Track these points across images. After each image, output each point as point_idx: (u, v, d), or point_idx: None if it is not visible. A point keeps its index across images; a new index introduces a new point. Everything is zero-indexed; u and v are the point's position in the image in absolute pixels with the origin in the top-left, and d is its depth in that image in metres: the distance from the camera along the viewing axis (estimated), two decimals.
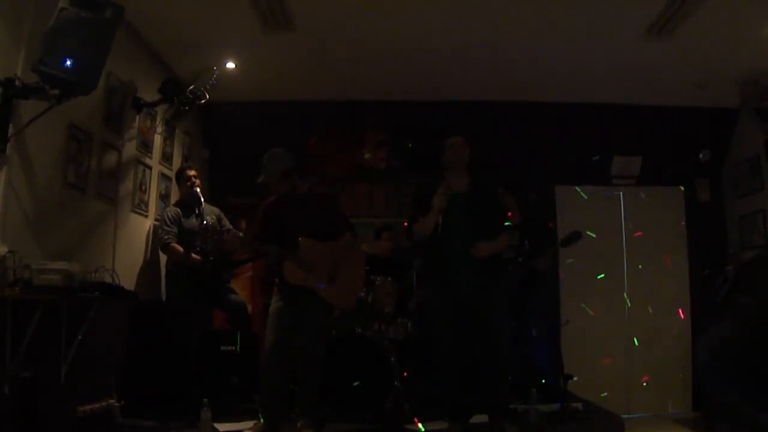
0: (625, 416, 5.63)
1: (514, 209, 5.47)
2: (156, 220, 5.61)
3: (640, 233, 6.78)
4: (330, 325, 4.89)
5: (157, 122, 5.61)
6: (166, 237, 4.96)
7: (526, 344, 5.29)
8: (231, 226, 5.39)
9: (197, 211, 5.11)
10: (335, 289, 4.23)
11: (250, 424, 4.09)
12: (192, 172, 5.26)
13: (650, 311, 6.66)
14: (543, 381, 4.83)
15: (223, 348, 5.16)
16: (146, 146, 5.47)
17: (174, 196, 5.83)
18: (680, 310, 6.59)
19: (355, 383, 4.56)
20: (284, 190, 4.32)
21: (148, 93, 5.27)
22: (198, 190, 5.14)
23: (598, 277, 6.33)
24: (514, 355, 5.14)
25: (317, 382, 4.16)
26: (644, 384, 6.54)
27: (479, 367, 4.22)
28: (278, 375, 4.08)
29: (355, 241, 4.50)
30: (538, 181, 6.54)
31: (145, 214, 5.48)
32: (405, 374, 4.76)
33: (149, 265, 5.50)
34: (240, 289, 5.69)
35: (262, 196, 4.58)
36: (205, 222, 4.84)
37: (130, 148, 5.19)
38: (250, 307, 5.63)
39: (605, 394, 5.69)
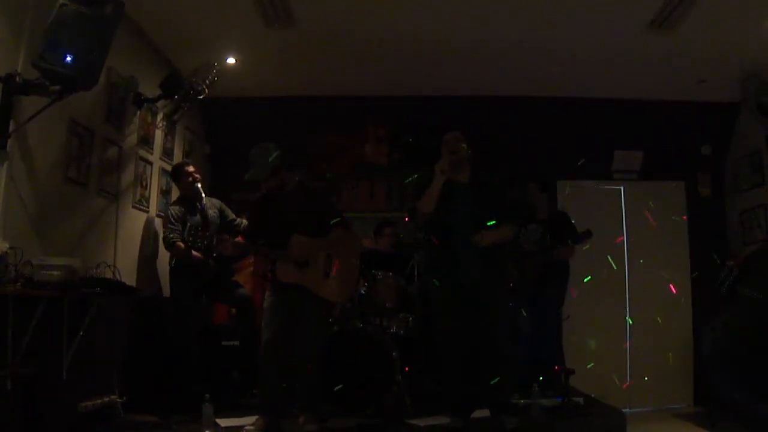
0: (626, 411, 5.64)
1: (542, 204, 5.52)
2: (158, 215, 5.61)
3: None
4: (331, 319, 4.91)
5: (158, 118, 5.61)
6: (171, 236, 4.95)
7: (530, 338, 5.31)
8: (234, 216, 5.40)
9: (199, 207, 5.11)
10: (331, 284, 4.21)
11: (251, 419, 4.08)
12: (191, 168, 5.25)
13: (651, 306, 6.67)
14: (542, 376, 4.82)
15: (224, 343, 5.18)
16: (147, 142, 5.47)
17: (175, 192, 5.83)
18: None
19: (356, 379, 4.58)
20: (273, 185, 4.28)
21: (149, 88, 5.26)
22: (199, 185, 5.14)
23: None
24: (521, 348, 5.18)
25: (316, 376, 4.17)
26: (645, 378, 6.55)
27: (480, 359, 4.22)
28: (276, 370, 4.08)
29: (347, 234, 4.45)
30: (539, 176, 6.54)
31: (146, 209, 5.48)
32: (406, 369, 4.77)
33: (150, 261, 5.50)
34: (242, 283, 5.69)
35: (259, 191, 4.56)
36: (198, 227, 4.80)
37: (131, 144, 5.19)
38: None
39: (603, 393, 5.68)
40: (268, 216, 4.26)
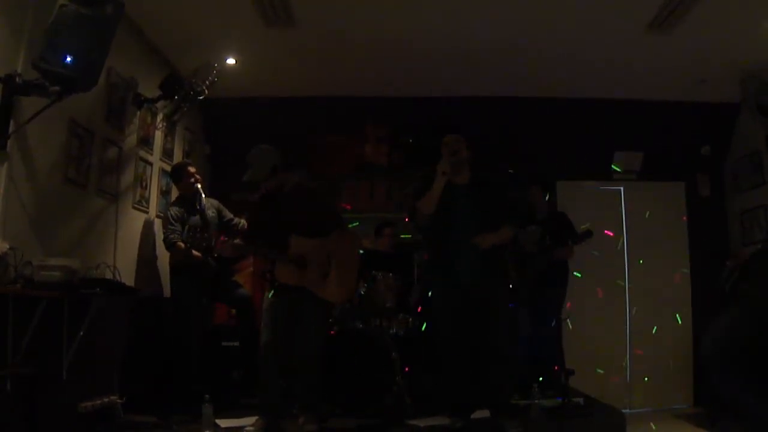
0: (626, 411, 5.64)
1: (542, 205, 5.53)
2: (158, 216, 5.61)
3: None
4: (331, 320, 4.91)
5: (158, 118, 5.60)
6: (171, 236, 4.95)
7: (530, 338, 5.31)
8: (232, 216, 5.40)
9: (198, 207, 5.11)
10: (329, 285, 4.21)
11: (251, 419, 4.09)
12: (192, 168, 5.25)
13: (651, 306, 6.67)
14: (542, 377, 4.83)
15: (224, 343, 5.18)
16: (147, 142, 5.47)
17: (174, 192, 5.82)
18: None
19: (356, 380, 4.58)
20: (272, 186, 4.29)
21: (149, 89, 5.26)
22: (199, 186, 5.14)
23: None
24: (521, 348, 5.18)
25: (315, 376, 4.17)
26: (645, 379, 6.55)
27: (481, 360, 4.22)
28: (275, 371, 4.08)
29: (347, 234, 4.45)
30: (539, 176, 6.54)
31: (146, 210, 5.48)
32: (406, 369, 4.77)
33: (150, 261, 5.50)
34: (242, 283, 5.69)
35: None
36: (197, 228, 4.80)
37: (130, 144, 5.19)
38: None
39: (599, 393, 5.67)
40: (268, 217, 4.25)
